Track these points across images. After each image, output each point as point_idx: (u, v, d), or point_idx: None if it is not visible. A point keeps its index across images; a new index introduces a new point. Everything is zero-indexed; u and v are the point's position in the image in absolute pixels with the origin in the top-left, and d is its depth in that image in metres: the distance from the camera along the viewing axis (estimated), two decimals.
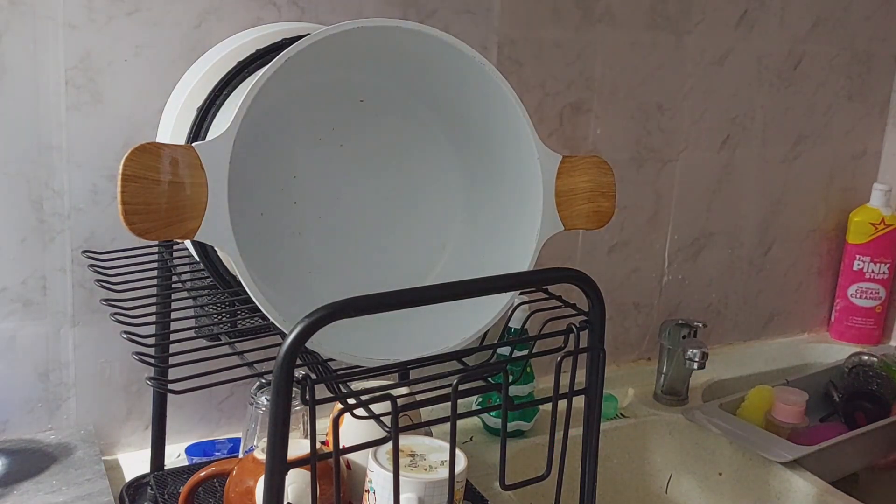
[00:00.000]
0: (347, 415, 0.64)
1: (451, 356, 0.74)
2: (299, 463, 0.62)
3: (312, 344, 0.67)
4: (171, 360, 0.78)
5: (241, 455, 1.01)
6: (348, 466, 0.88)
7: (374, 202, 0.85)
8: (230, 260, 0.65)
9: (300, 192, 0.81)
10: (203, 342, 0.73)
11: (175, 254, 0.95)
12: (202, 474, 0.87)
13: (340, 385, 0.68)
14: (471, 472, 1.00)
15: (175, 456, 1.11)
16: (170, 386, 0.67)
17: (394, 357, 0.71)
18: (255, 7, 1.07)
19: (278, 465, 0.60)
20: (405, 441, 0.84)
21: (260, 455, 0.84)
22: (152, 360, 0.71)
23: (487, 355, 0.82)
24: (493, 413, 1.23)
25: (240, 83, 0.81)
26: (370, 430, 0.82)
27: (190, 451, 1.12)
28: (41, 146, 1.01)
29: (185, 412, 1.14)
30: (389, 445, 0.76)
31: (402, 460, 0.80)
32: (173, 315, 0.87)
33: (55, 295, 1.05)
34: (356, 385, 0.87)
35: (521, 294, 0.82)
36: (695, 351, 1.29)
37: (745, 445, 1.27)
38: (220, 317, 0.87)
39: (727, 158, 1.47)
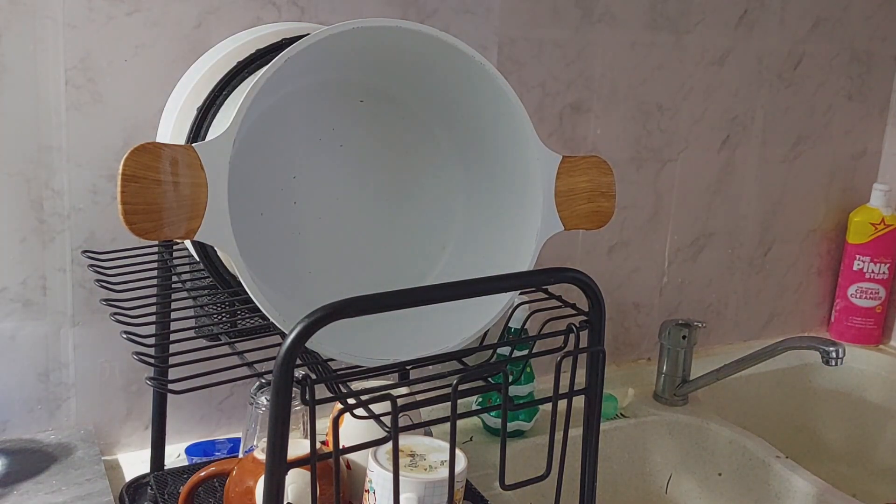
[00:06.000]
0: (347, 415, 0.64)
1: (451, 356, 0.74)
2: (299, 463, 0.62)
3: (312, 344, 0.67)
4: (171, 360, 0.78)
5: (241, 455, 1.01)
6: (348, 466, 0.88)
7: (374, 202, 0.85)
8: (230, 260, 0.65)
9: (300, 192, 0.81)
10: (203, 342, 0.73)
11: (175, 254, 0.95)
12: (202, 474, 0.87)
13: (340, 385, 0.68)
14: (471, 472, 1.00)
15: (175, 456, 1.11)
16: (170, 386, 0.67)
17: (394, 357, 0.71)
18: (254, 7, 1.07)
19: (278, 465, 0.60)
20: (405, 441, 0.84)
21: (260, 455, 0.84)
22: (152, 360, 0.71)
23: (487, 355, 0.82)
24: (493, 413, 1.23)
25: (240, 83, 0.81)
26: (370, 430, 0.82)
27: (190, 451, 1.12)
28: (41, 146, 1.01)
29: (185, 412, 1.14)
30: (389, 445, 0.76)
31: (402, 460, 0.80)
32: (173, 315, 0.88)
33: (55, 295, 1.05)
34: (356, 385, 0.87)
35: (521, 294, 0.82)
36: (832, 349, 1.18)
37: (745, 445, 1.28)
38: (220, 317, 0.87)
39: (727, 158, 1.47)
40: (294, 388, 0.59)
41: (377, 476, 0.79)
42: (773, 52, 1.46)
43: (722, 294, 1.54)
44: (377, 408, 0.67)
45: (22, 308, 1.04)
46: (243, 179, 0.78)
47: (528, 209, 0.77)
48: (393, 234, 0.85)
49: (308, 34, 0.67)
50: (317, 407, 0.61)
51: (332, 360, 0.69)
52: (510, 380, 0.72)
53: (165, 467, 1.07)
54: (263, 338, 0.75)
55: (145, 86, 1.04)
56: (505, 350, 1.05)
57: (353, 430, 0.85)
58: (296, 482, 0.80)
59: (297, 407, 0.94)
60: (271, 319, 0.67)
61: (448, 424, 0.66)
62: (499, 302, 0.75)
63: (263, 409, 0.97)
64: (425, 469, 0.80)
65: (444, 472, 0.79)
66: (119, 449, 1.12)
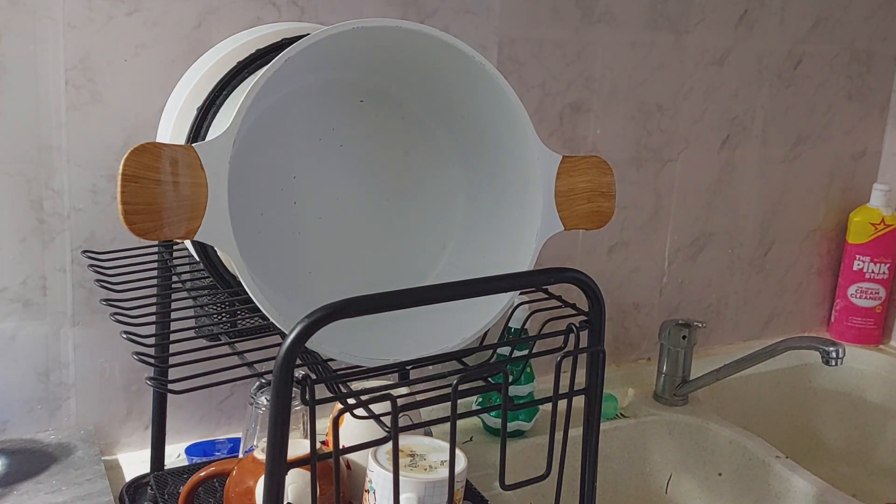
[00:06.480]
0: (347, 415, 0.64)
1: (451, 356, 0.74)
2: (299, 463, 0.62)
3: (312, 344, 0.67)
4: (171, 360, 0.78)
5: (241, 455, 1.01)
6: (348, 466, 0.88)
7: (374, 202, 0.85)
8: (230, 260, 0.65)
9: (300, 192, 0.81)
10: (203, 342, 0.73)
11: (175, 254, 0.95)
12: (202, 474, 0.87)
13: (340, 385, 0.68)
14: (471, 472, 1.00)
15: (175, 456, 1.11)
16: (170, 386, 0.67)
17: (394, 357, 0.71)
18: (254, 7, 1.07)
19: (278, 465, 0.60)
20: (405, 441, 0.84)
21: (260, 455, 0.84)
22: (152, 360, 0.71)
23: (487, 355, 0.82)
24: (493, 413, 1.23)
25: (240, 83, 0.81)
26: (370, 430, 0.82)
27: (190, 451, 1.12)
28: (41, 146, 1.01)
29: (185, 412, 1.14)
30: (389, 445, 0.76)
31: (402, 460, 0.80)
32: (173, 315, 0.88)
33: (55, 295, 1.05)
34: (356, 385, 0.87)
35: (521, 294, 0.82)
36: (832, 349, 1.18)
37: (745, 445, 1.28)
38: (220, 317, 0.87)
39: (727, 158, 1.47)
40: (294, 388, 0.59)
41: (377, 476, 0.79)
42: (773, 52, 1.46)
43: (722, 294, 1.54)
44: (377, 408, 0.67)
45: (22, 308, 1.04)
46: (243, 179, 0.78)
47: (528, 209, 0.77)
48: (393, 234, 0.85)
49: (308, 34, 0.67)
50: (317, 407, 0.61)
51: (332, 360, 0.69)
52: (510, 380, 0.72)
53: (165, 467, 1.07)
54: (263, 338, 0.75)
55: (145, 86, 1.04)
56: (505, 350, 1.05)
57: (353, 430, 0.85)
58: (296, 482, 0.80)
59: (297, 407, 0.94)
60: (271, 319, 0.67)
61: (448, 424, 0.66)
62: (499, 302, 0.75)
63: (263, 409, 0.97)
64: (425, 469, 0.80)
65: (444, 472, 0.79)
66: (119, 449, 1.12)
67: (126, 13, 1.01)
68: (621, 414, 1.34)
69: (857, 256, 1.58)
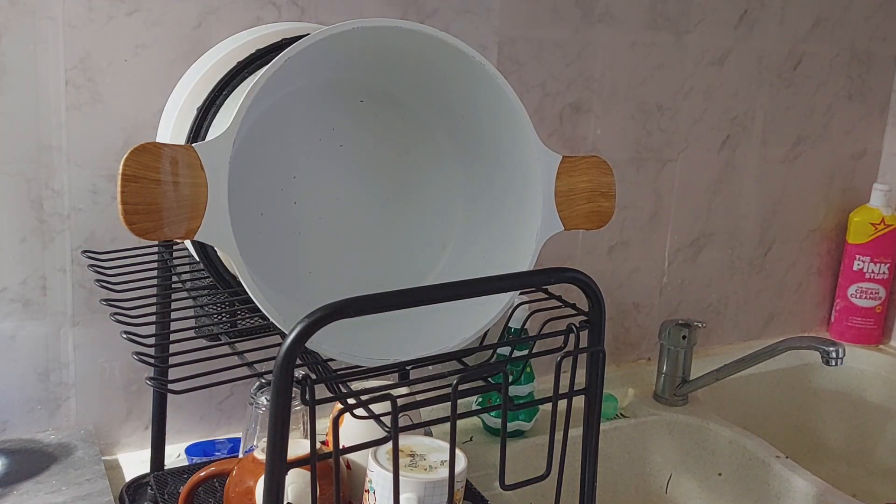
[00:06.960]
0: (347, 415, 0.64)
1: (451, 356, 0.74)
2: (299, 463, 0.62)
3: (312, 344, 0.67)
4: (171, 360, 0.78)
5: (241, 455, 1.01)
6: (348, 466, 0.88)
7: (374, 202, 0.85)
8: (230, 260, 0.65)
9: (300, 192, 0.81)
10: (203, 342, 0.73)
11: (175, 254, 0.95)
12: (202, 474, 0.87)
13: (340, 385, 0.68)
14: (471, 472, 1.00)
15: (175, 456, 1.11)
16: (170, 386, 0.67)
17: (394, 357, 0.71)
18: (254, 7, 1.07)
19: (278, 465, 0.60)
20: (405, 441, 0.84)
21: (260, 455, 0.84)
22: (152, 360, 0.71)
23: (487, 355, 0.82)
24: (493, 413, 1.23)
25: (240, 83, 0.81)
26: (370, 430, 0.82)
27: (190, 451, 1.12)
28: (41, 146, 1.01)
29: (185, 412, 1.14)
30: (389, 445, 0.76)
31: (402, 460, 0.80)
32: (173, 315, 0.88)
33: (55, 295, 1.05)
34: (356, 385, 0.87)
35: (521, 294, 0.82)
36: (832, 349, 1.18)
37: (745, 445, 1.28)
38: (220, 317, 0.87)
39: (727, 158, 1.47)
40: (294, 388, 0.59)
41: (377, 476, 0.79)
42: (773, 52, 1.46)
43: (722, 294, 1.54)
44: (377, 408, 0.67)
45: (22, 308, 1.04)
46: (243, 179, 0.78)
47: (528, 209, 0.77)
48: (393, 234, 0.85)
49: (308, 34, 0.67)
50: (317, 407, 0.61)
51: (332, 360, 0.69)
52: (510, 380, 0.72)
53: (165, 467, 1.07)
54: (263, 338, 0.75)
55: (145, 86, 1.04)
56: (505, 350, 1.05)
57: (353, 430, 0.85)
58: (296, 482, 0.80)
59: (297, 407, 0.95)
60: (271, 319, 0.67)
61: (448, 424, 0.66)
62: (499, 302, 0.75)
63: (263, 409, 0.97)
64: (425, 469, 0.80)
65: (444, 472, 0.79)
66: (119, 449, 1.12)
67: (126, 13, 1.01)
68: (621, 414, 1.33)
69: (857, 256, 1.58)
